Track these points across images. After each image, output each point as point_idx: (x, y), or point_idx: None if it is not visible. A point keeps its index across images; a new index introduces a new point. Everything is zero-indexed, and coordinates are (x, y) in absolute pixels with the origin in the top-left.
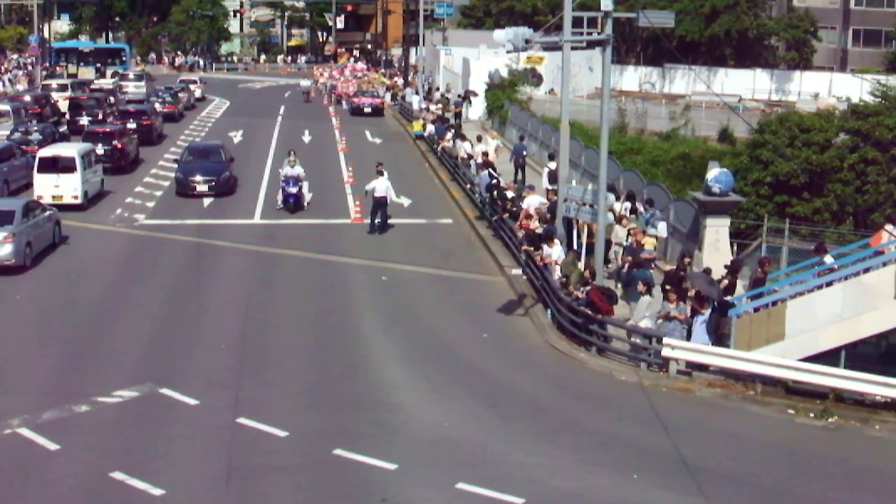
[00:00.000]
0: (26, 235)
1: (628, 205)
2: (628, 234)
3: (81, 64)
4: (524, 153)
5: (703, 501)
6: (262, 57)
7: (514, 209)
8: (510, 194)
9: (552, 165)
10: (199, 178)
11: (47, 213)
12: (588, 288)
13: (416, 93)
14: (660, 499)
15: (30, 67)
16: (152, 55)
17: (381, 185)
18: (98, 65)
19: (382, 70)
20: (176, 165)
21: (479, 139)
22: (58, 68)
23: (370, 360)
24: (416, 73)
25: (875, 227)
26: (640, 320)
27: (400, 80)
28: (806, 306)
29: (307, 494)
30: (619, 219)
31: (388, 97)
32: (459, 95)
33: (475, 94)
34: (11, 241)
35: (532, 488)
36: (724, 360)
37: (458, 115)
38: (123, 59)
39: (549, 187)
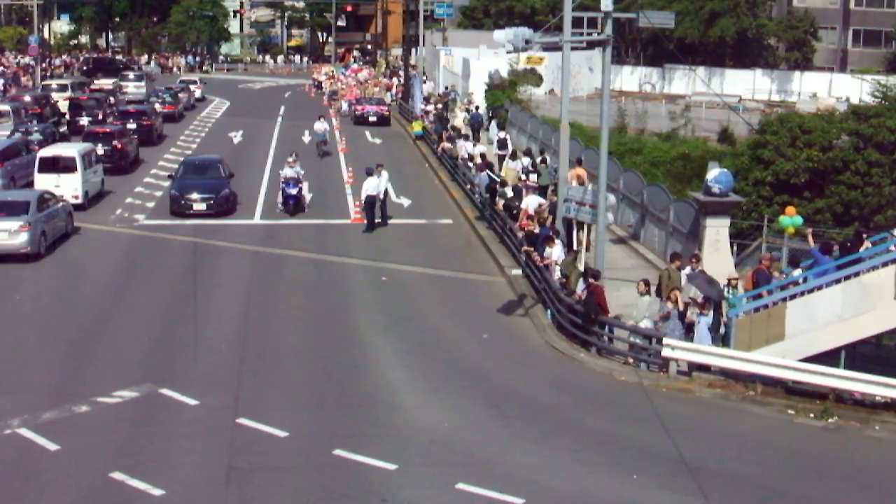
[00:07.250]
0: (41, 225)
1: (528, 161)
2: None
3: None
4: (480, 120)
5: (703, 501)
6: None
7: (515, 210)
8: (509, 193)
9: (501, 134)
10: (195, 195)
11: (60, 204)
12: (592, 283)
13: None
14: (660, 499)
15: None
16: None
17: (369, 185)
18: None
19: (383, 70)
20: (169, 181)
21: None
22: None
23: (370, 360)
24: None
25: (878, 229)
26: (640, 320)
27: (398, 81)
28: (806, 307)
29: (307, 495)
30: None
31: (387, 97)
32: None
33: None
34: (27, 231)
35: (532, 488)
36: (724, 360)
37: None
38: None
39: (499, 153)
